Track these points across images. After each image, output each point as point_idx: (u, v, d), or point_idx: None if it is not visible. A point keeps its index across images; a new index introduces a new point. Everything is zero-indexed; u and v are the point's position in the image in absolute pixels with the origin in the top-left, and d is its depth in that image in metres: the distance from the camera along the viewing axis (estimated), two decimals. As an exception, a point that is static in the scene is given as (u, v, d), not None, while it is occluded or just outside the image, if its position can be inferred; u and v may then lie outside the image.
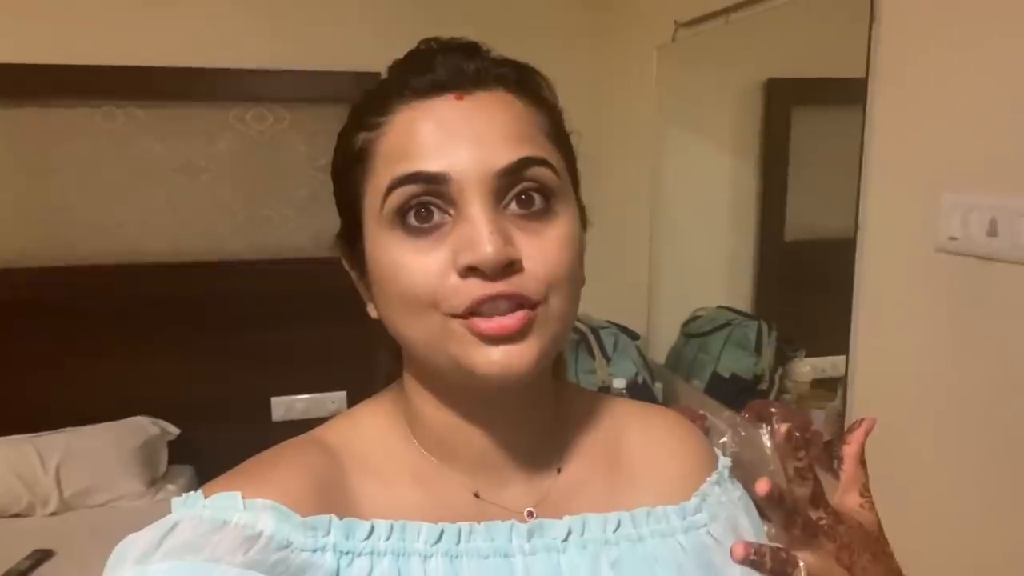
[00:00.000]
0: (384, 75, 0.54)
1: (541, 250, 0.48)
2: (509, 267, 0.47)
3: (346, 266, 0.57)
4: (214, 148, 2.26)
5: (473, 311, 0.47)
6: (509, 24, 2.28)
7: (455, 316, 0.47)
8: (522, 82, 0.52)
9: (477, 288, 0.46)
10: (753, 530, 0.60)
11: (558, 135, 0.54)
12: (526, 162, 0.48)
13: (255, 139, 2.28)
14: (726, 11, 1.76)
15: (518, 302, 0.47)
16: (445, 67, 0.50)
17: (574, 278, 0.50)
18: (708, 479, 0.61)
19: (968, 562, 1.17)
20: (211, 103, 2.23)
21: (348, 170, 0.53)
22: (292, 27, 2.24)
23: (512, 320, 0.47)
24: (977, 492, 1.14)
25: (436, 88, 0.49)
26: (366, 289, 0.55)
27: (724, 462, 0.64)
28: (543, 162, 0.49)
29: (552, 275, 0.48)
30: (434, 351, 0.49)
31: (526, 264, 0.48)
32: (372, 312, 0.55)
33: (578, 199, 0.55)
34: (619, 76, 2.40)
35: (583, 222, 0.55)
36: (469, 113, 0.49)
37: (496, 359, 0.47)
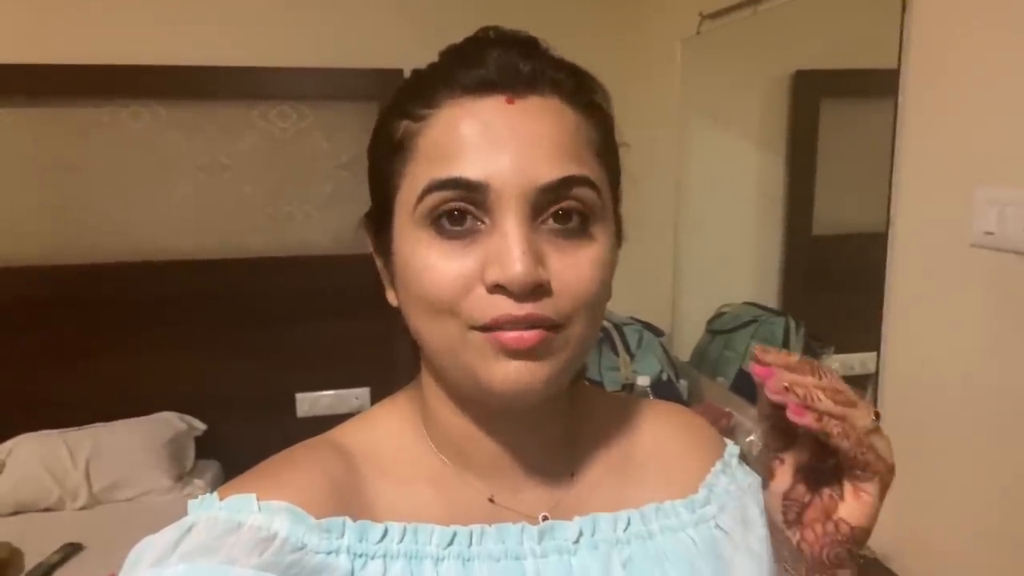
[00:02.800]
0: (436, 59, 0.52)
1: (572, 272, 0.47)
2: (537, 289, 0.45)
3: (371, 248, 0.56)
4: (237, 146, 2.27)
5: (494, 326, 0.46)
6: (532, 17, 2.25)
7: (474, 328, 0.46)
8: (578, 90, 0.50)
9: (503, 305, 0.45)
10: (764, 518, 0.59)
11: (606, 149, 0.52)
12: (570, 181, 0.47)
13: (278, 137, 2.30)
14: (753, 1, 1.73)
15: (539, 323, 0.46)
16: (498, 64, 0.47)
17: (600, 301, 0.49)
18: (713, 468, 0.60)
19: (1003, 564, 1.14)
20: (234, 101, 2.25)
21: (386, 156, 0.51)
22: (315, 25, 2.25)
23: (530, 335, 0.45)
24: (1011, 494, 1.11)
25: (486, 87, 0.47)
26: (388, 276, 0.54)
27: (731, 450, 0.63)
28: (587, 182, 0.47)
29: (579, 300, 0.47)
30: (450, 359, 0.48)
31: (554, 285, 0.46)
32: (392, 299, 0.54)
33: (617, 215, 0.53)
34: (643, 69, 2.37)
35: (619, 237, 0.54)
36: (518, 119, 0.47)
37: (510, 374, 0.46)
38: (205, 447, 2.20)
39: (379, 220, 0.53)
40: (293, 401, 2.35)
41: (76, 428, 2.08)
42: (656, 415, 0.64)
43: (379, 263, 0.55)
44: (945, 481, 1.23)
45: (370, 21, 2.28)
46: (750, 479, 0.61)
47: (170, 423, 2.15)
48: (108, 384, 2.18)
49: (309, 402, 2.36)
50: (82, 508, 1.96)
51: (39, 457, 1.97)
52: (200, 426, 2.21)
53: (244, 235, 2.31)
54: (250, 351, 2.27)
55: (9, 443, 2.01)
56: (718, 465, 0.61)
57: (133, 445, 2.05)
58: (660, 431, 0.62)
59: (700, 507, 0.58)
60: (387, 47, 2.22)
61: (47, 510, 1.95)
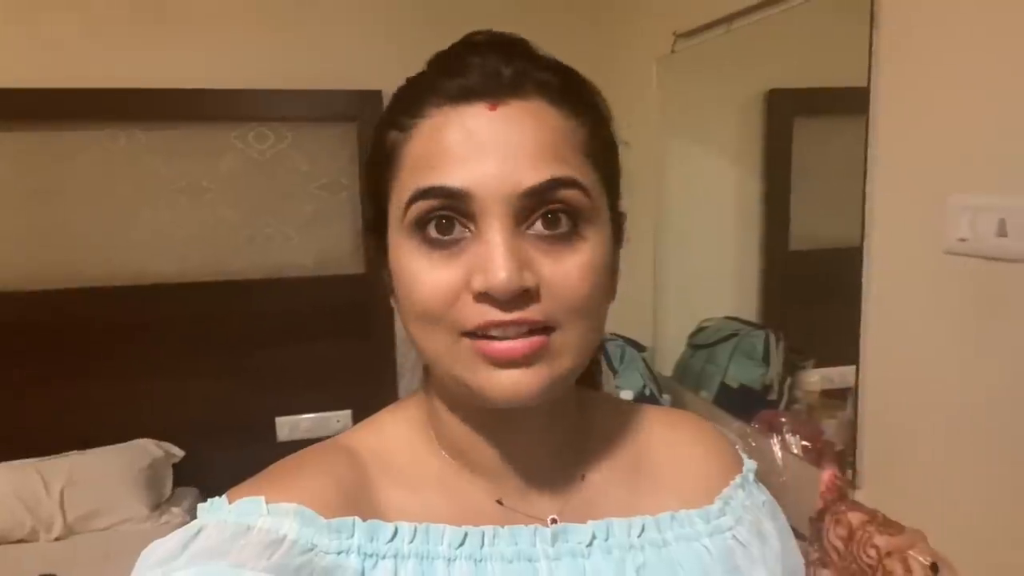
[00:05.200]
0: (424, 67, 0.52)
1: (562, 276, 0.46)
2: (523, 295, 0.45)
3: (369, 259, 0.57)
4: (216, 168, 2.26)
5: (482, 332, 0.46)
6: (508, 39, 2.28)
7: (464, 335, 0.46)
8: (565, 90, 0.49)
9: (489, 313, 0.45)
10: (778, 535, 0.59)
11: (598, 149, 0.51)
12: (554, 183, 0.46)
13: (257, 159, 2.29)
14: (726, 20, 1.76)
15: (529, 327, 0.46)
16: (480, 70, 0.47)
17: (596, 304, 0.49)
18: (732, 482, 0.60)
19: (987, 572, 1.14)
20: (213, 123, 2.24)
21: (377, 167, 0.52)
22: (293, 47, 2.25)
23: (521, 344, 0.46)
24: (991, 500, 1.12)
25: (467, 94, 0.47)
26: (390, 284, 0.55)
27: (749, 466, 0.63)
28: (573, 183, 0.47)
29: (570, 303, 0.47)
30: (443, 367, 0.49)
31: (544, 290, 0.46)
32: (395, 304, 0.55)
33: (616, 213, 0.53)
34: (619, 88, 2.38)
35: (619, 237, 0.54)
36: (500, 125, 0.46)
37: (503, 384, 0.46)
38: (183, 474, 2.16)
39: (378, 229, 0.53)
40: (273, 425, 2.32)
41: (51, 457, 2.03)
42: (667, 421, 0.64)
43: (384, 272, 0.56)
44: (926, 489, 1.24)
45: (348, 43, 2.28)
46: (765, 497, 0.61)
47: (147, 450, 2.11)
48: (84, 410, 2.14)
49: (289, 426, 2.33)
50: (57, 539, 1.91)
51: (12, 487, 1.92)
52: (178, 453, 2.17)
53: (224, 257, 2.29)
54: (229, 375, 2.24)
55: (-19, 473, 1.96)
56: (736, 480, 0.61)
57: (109, 473, 2.00)
58: (673, 438, 0.62)
59: (715, 518, 0.57)
60: (366, 68, 2.22)
61: (20, 541, 1.90)
